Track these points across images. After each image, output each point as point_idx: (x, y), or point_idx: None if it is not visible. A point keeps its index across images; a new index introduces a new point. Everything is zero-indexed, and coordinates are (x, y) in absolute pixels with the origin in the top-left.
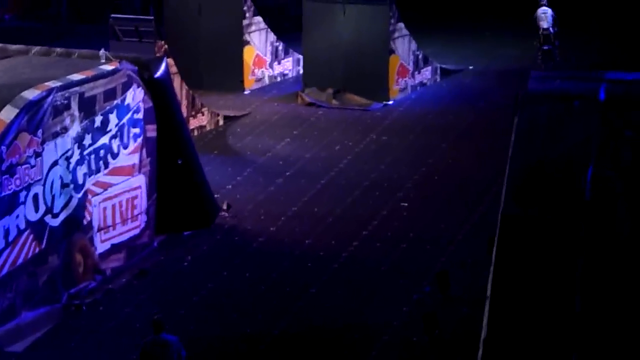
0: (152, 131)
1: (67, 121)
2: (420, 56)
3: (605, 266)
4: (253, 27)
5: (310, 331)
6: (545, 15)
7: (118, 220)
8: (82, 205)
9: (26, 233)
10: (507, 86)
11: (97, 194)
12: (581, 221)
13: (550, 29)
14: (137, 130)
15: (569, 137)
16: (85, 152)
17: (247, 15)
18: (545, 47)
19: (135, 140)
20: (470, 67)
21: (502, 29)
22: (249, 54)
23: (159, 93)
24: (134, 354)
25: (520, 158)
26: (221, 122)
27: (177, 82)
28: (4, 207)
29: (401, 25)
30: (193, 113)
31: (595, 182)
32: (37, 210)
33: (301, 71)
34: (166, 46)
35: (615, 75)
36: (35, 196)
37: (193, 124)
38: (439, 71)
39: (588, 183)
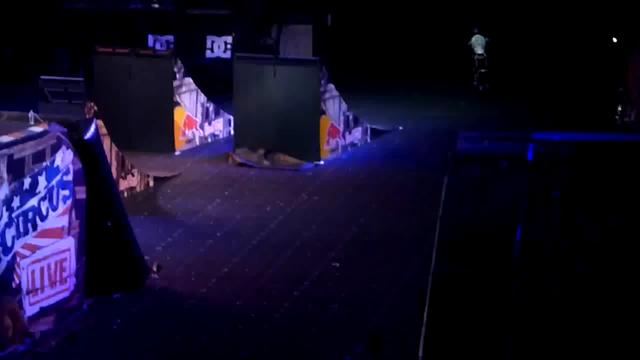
0: (81, 193)
1: None
2: (350, 117)
3: (536, 326)
4: (183, 88)
5: None
6: (478, 41)
7: (47, 283)
8: (10, 267)
9: None
10: (436, 146)
11: (26, 257)
12: (511, 280)
13: (484, 53)
14: (66, 192)
15: (498, 197)
16: (14, 215)
17: (178, 76)
18: (481, 71)
19: (64, 202)
20: (400, 128)
21: (430, 90)
22: (180, 115)
23: (89, 155)
24: None
25: (450, 218)
26: (151, 184)
27: (106, 143)
28: None
29: (331, 86)
30: (123, 174)
31: (525, 241)
32: None
33: (232, 132)
34: (96, 107)
35: (542, 135)
36: None
37: (123, 185)
38: (369, 131)
39: (517, 243)
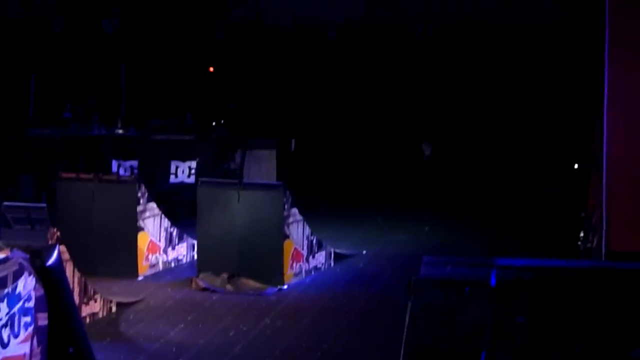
0: (43, 319)
1: None
2: (314, 241)
3: None
4: (147, 213)
5: None
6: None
7: None
8: None
9: None
10: (399, 270)
11: None
12: None
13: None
14: (28, 319)
15: (461, 322)
16: None
17: (141, 201)
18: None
19: (26, 329)
20: (364, 252)
21: (393, 214)
22: (143, 240)
23: (51, 281)
24: None
25: (414, 343)
26: (114, 309)
27: (69, 269)
28: None
29: (295, 210)
30: (85, 300)
31: None
32: None
33: (195, 256)
34: (58, 233)
35: (505, 261)
36: None
37: (85, 311)
38: (332, 255)
39: None
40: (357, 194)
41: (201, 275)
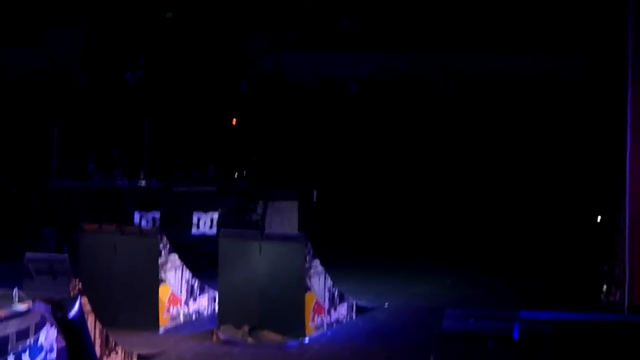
0: None
1: None
2: (335, 293)
3: None
4: (169, 265)
5: None
6: None
7: None
8: None
9: None
10: (422, 324)
11: None
12: None
13: None
14: None
15: None
16: None
17: (163, 253)
18: None
19: None
20: (386, 305)
21: (415, 267)
22: (164, 292)
23: (73, 332)
24: None
25: None
26: None
27: (91, 320)
28: None
29: (317, 262)
30: (107, 352)
31: None
32: None
33: (217, 308)
34: (80, 285)
35: (528, 314)
36: None
37: None
38: (354, 308)
39: None
40: (380, 245)
41: (222, 328)
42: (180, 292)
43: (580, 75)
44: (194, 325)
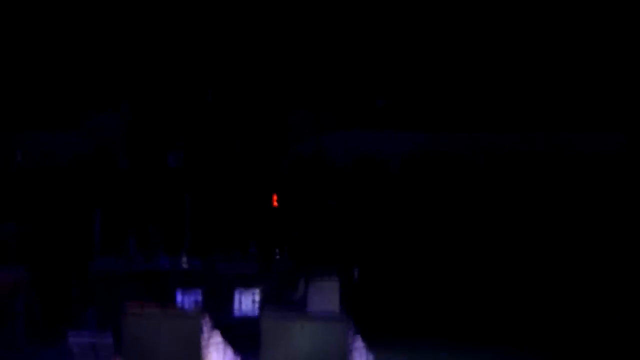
0: None
1: None
2: None
3: None
4: (211, 345)
5: None
6: None
7: None
8: None
9: None
10: None
11: None
12: None
13: None
14: None
15: None
16: None
17: (206, 333)
18: None
19: None
20: None
21: (457, 345)
22: None
23: None
24: None
25: None
26: None
27: None
28: None
29: (359, 340)
30: None
31: None
32: None
33: None
34: None
35: None
36: None
37: None
38: None
39: None
40: (422, 323)
41: None
42: None
43: (621, 151)
44: None
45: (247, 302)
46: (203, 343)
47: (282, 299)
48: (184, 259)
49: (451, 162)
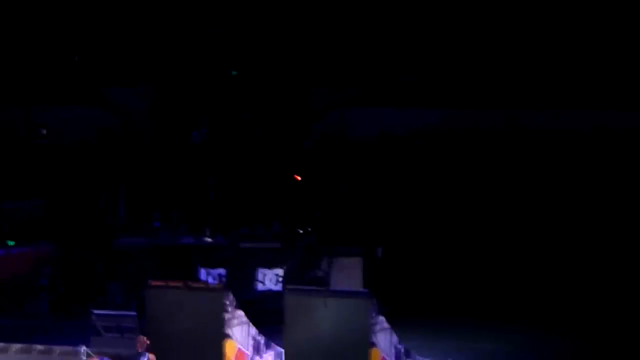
0: None
1: None
2: (402, 350)
3: None
4: (235, 321)
5: None
6: None
7: None
8: None
9: None
10: None
11: None
12: None
13: None
14: None
15: None
16: None
17: (229, 309)
18: None
19: None
20: None
21: (479, 324)
22: (231, 348)
23: None
24: None
25: None
26: None
27: None
28: None
29: (382, 318)
30: None
31: None
32: None
33: None
34: (148, 342)
35: None
36: None
37: None
38: None
39: None
40: (446, 301)
41: None
42: (247, 348)
43: None
44: None
45: (270, 279)
46: (226, 318)
47: (305, 276)
48: (208, 236)
49: (476, 139)
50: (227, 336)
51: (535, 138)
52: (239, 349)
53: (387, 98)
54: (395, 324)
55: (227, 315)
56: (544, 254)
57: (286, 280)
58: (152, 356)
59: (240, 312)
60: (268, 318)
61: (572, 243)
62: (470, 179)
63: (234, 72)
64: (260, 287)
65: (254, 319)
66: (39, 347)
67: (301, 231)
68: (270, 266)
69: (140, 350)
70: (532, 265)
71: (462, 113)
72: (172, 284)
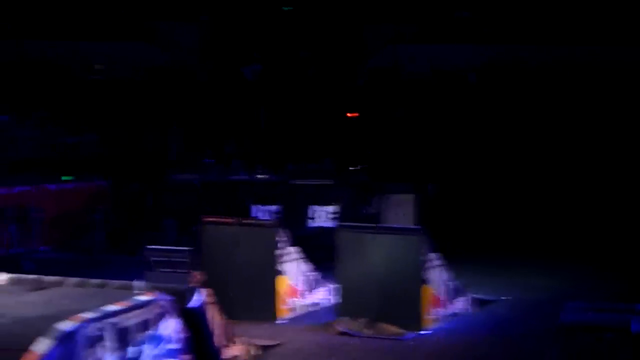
0: None
1: (101, 352)
2: (453, 286)
3: None
4: (287, 257)
5: None
6: None
7: None
8: None
9: None
10: (541, 317)
11: None
12: None
13: None
14: None
15: None
16: None
17: (282, 245)
18: None
19: None
20: (503, 298)
21: (531, 260)
22: (283, 284)
23: (194, 323)
24: None
25: None
26: (253, 352)
27: (211, 311)
28: None
29: (434, 255)
30: (227, 342)
31: None
32: None
33: (333, 301)
34: (201, 276)
35: None
36: None
37: (226, 354)
38: (472, 301)
39: None
40: (498, 238)
41: (340, 320)
42: (299, 284)
43: None
44: (311, 317)
45: (322, 215)
46: (279, 254)
47: (357, 213)
48: (260, 172)
49: (530, 75)
50: (280, 272)
51: (586, 72)
52: (291, 284)
53: (440, 35)
54: (448, 261)
55: (279, 252)
56: (600, 191)
57: (338, 216)
58: (205, 291)
59: (293, 249)
60: (320, 255)
61: (632, 181)
62: (524, 116)
63: (286, 8)
64: (311, 223)
65: (306, 255)
66: (93, 280)
67: (353, 168)
68: (321, 204)
69: (193, 285)
70: (588, 203)
71: (516, 49)
72: (225, 220)
